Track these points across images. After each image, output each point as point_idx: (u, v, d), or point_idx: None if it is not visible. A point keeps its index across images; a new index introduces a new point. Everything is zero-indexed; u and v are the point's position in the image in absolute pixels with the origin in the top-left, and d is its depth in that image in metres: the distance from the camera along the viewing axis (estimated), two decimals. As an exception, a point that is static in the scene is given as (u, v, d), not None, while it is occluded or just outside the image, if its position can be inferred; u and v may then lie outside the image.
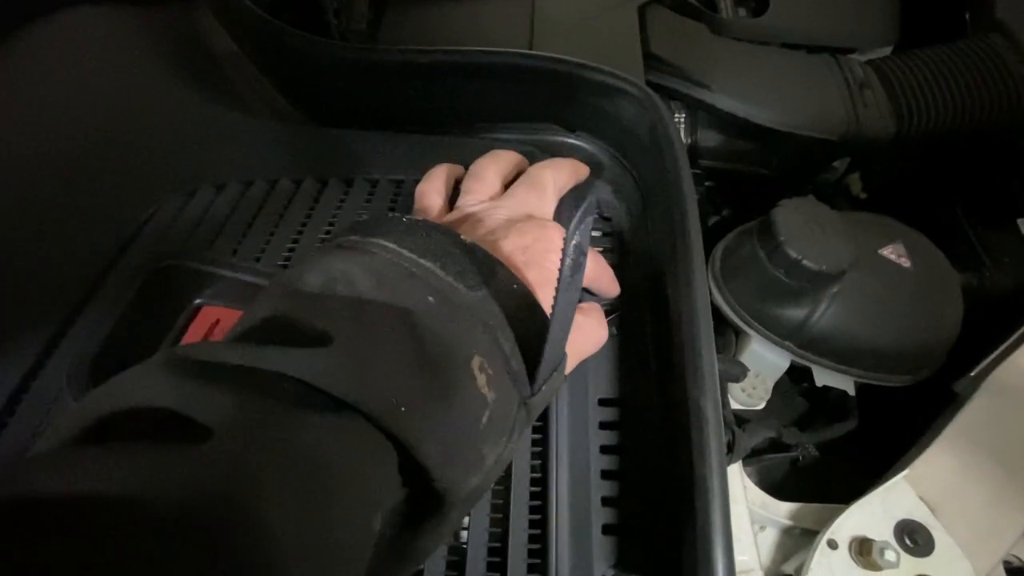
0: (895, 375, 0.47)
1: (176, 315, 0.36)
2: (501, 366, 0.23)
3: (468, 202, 0.35)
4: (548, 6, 0.62)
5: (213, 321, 0.38)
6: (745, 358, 0.49)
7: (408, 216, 0.28)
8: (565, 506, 0.28)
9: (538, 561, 0.27)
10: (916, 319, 0.46)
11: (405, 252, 0.24)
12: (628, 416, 0.32)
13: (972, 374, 0.42)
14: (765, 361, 0.48)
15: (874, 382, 0.47)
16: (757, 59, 0.58)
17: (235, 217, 0.39)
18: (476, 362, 0.22)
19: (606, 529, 0.28)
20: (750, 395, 0.48)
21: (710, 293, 0.48)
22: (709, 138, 0.59)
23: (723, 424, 0.27)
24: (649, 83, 0.48)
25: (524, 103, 0.45)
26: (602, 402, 0.34)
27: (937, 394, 0.44)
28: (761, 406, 0.48)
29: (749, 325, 0.48)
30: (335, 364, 0.19)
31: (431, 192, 0.36)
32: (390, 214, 0.29)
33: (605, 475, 0.30)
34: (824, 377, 0.48)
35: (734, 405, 0.48)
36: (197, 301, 0.37)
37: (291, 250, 0.37)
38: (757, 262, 0.46)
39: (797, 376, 0.50)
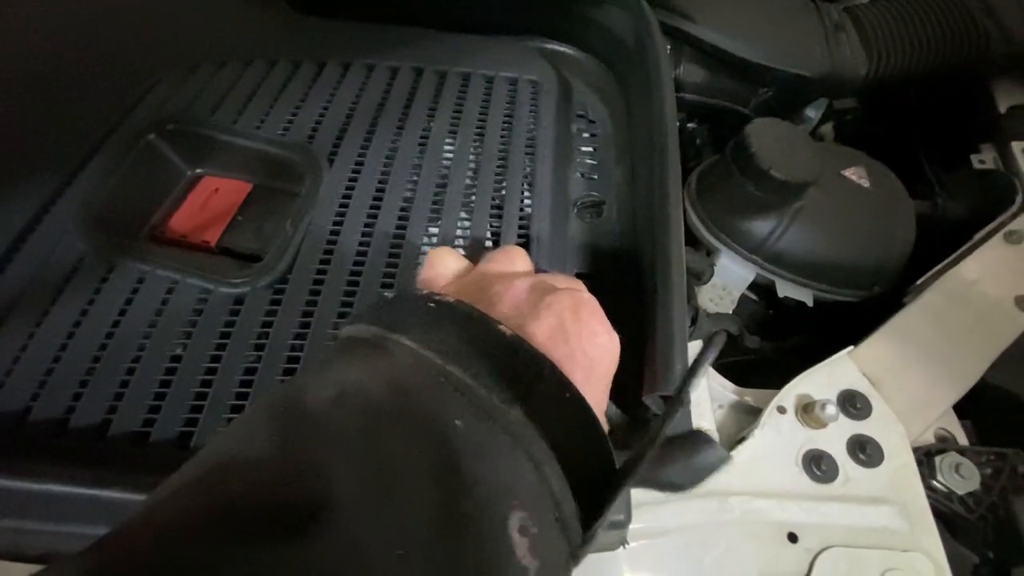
0: (850, 289, 0.50)
1: (176, 179, 0.38)
2: (549, 515, 0.18)
3: (486, 268, 0.28)
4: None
5: (212, 190, 0.40)
6: (716, 272, 0.52)
7: (436, 297, 0.22)
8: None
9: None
10: (872, 236, 0.49)
11: (430, 356, 0.19)
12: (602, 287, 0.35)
13: (919, 283, 0.46)
14: (732, 273, 0.51)
15: (831, 296, 0.50)
16: (739, -3, 0.61)
17: (235, 91, 0.40)
18: (516, 523, 0.17)
19: None
20: (717, 304, 0.52)
21: (684, 214, 0.51)
22: (692, 72, 0.62)
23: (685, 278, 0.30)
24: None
25: (515, 13, 0.47)
26: (579, 275, 0.36)
27: (888, 312, 0.48)
28: (730, 311, 0.52)
29: (718, 239, 0.51)
30: (320, 561, 0.14)
31: (449, 256, 0.28)
32: (415, 291, 0.23)
33: None
34: (786, 289, 0.51)
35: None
36: (198, 171, 0.39)
37: (290, 121, 0.39)
38: (730, 176, 0.49)
39: (761, 292, 0.54)
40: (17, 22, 0.40)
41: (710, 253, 0.53)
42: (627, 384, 0.30)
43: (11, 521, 0.25)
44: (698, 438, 0.24)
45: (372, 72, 0.42)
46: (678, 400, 0.23)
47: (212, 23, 0.45)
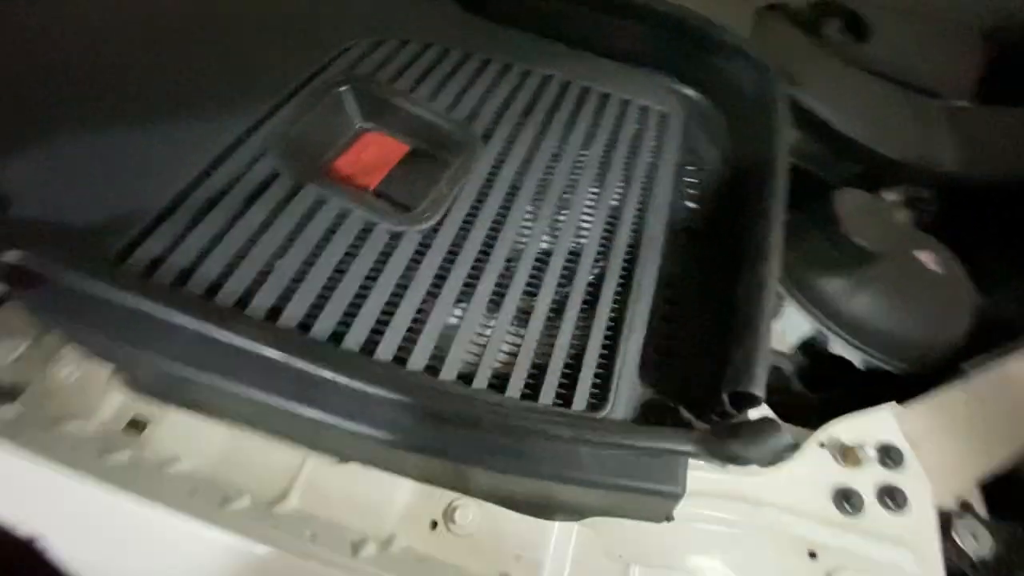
0: (899, 361, 0.54)
1: (349, 129, 0.45)
2: None
3: None
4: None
5: (371, 145, 0.46)
6: (779, 318, 0.56)
7: None
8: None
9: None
10: (932, 318, 0.53)
11: None
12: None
13: (966, 365, 0.50)
14: (793, 320, 0.56)
15: (880, 363, 0.54)
16: (847, 74, 0.66)
17: (413, 67, 0.47)
18: None
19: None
20: (778, 342, 0.56)
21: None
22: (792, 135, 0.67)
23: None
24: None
25: (655, 51, 0.53)
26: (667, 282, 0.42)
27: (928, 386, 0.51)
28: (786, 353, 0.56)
29: (787, 288, 0.55)
30: None
31: None
32: None
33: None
34: (839, 347, 0.55)
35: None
36: (368, 125, 0.46)
37: (454, 102, 0.46)
38: (810, 234, 0.54)
39: (814, 344, 0.58)
40: None
41: (778, 299, 0.57)
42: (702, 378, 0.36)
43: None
44: (771, 425, 0.28)
45: (527, 76, 0.49)
46: (755, 397, 0.28)
47: (399, 7, 0.53)
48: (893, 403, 0.44)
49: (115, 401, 0.38)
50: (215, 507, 0.32)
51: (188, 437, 0.37)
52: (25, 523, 0.33)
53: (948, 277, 0.55)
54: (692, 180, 0.50)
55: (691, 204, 0.49)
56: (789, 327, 0.56)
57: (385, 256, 0.37)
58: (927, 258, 0.55)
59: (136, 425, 0.37)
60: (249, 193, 0.39)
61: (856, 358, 0.55)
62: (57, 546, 0.33)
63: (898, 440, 0.42)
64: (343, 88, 0.44)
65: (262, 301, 0.34)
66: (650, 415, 0.35)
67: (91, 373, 0.38)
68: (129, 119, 0.40)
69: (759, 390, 0.31)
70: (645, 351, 0.37)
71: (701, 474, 0.37)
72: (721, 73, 0.50)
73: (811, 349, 0.59)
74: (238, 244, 0.36)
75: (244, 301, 0.34)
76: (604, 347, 0.36)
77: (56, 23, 0.45)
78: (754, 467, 0.37)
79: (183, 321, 0.32)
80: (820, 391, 0.57)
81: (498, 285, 0.37)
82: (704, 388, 0.36)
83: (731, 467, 0.36)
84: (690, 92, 0.53)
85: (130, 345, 0.33)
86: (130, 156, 0.39)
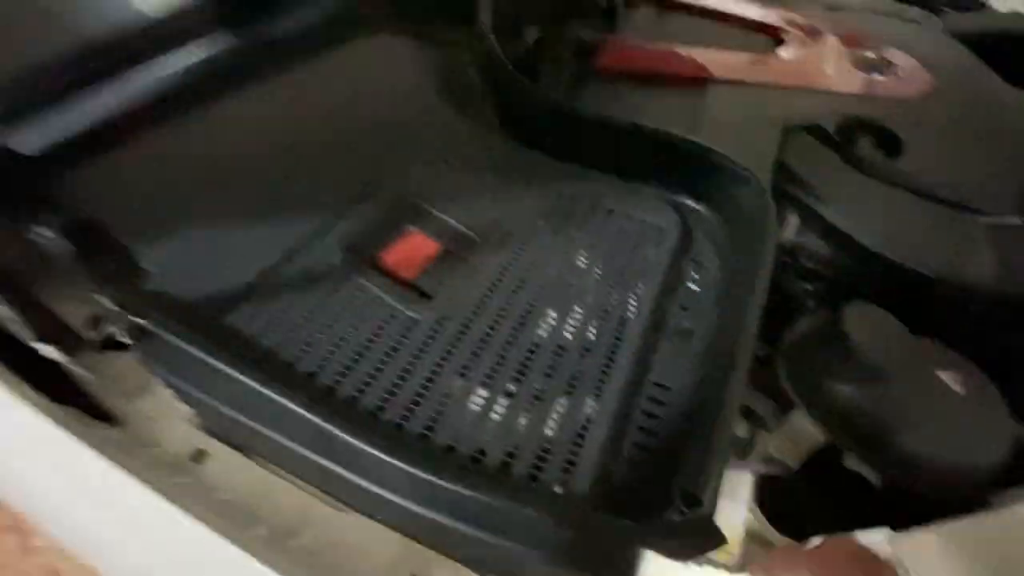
0: (918, 485, 0.52)
1: (398, 229, 0.55)
2: None
3: None
4: (713, 110, 0.78)
5: (413, 243, 0.57)
6: (788, 425, 0.57)
7: None
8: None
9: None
10: (953, 441, 0.51)
11: None
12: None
13: (1009, 492, 0.47)
14: (805, 432, 0.56)
15: (897, 482, 0.52)
16: (878, 191, 0.68)
17: (451, 183, 0.58)
18: None
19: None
20: (781, 453, 0.56)
21: (775, 364, 0.58)
22: (814, 243, 0.69)
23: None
24: (774, 186, 0.61)
25: (664, 171, 0.60)
26: (657, 384, 0.46)
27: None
28: (794, 466, 0.56)
29: (797, 395, 0.56)
30: None
31: None
32: None
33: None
34: (854, 463, 0.54)
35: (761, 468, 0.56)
36: (409, 227, 0.56)
37: (481, 211, 0.55)
38: (821, 345, 0.55)
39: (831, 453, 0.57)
40: (325, 106, 0.63)
41: (788, 406, 0.58)
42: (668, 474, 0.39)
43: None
44: (708, 528, 0.31)
45: (546, 193, 0.58)
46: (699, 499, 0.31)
47: (453, 137, 0.66)
48: (887, 528, 0.43)
49: (187, 435, 0.48)
50: (240, 530, 0.40)
51: (231, 471, 0.45)
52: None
53: (977, 400, 0.53)
54: (693, 286, 0.54)
55: (689, 308, 0.53)
56: (798, 434, 0.56)
57: (403, 338, 0.46)
58: (951, 378, 0.54)
59: (199, 456, 0.47)
60: (310, 280, 0.50)
61: (871, 475, 0.53)
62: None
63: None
64: (397, 199, 0.56)
65: (305, 366, 0.44)
66: (612, 503, 0.38)
67: (174, 411, 0.49)
68: (229, 224, 0.54)
69: (703, 493, 0.34)
70: (618, 441, 0.41)
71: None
72: (725, 192, 0.56)
73: (825, 459, 0.58)
74: (294, 320, 0.46)
75: (292, 365, 0.44)
76: (578, 433, 0.41)
77: (182, 141, 0.62)
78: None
79: (241, 377, 0.41)
80: (834, 500, 0.55)
81: (491, 369, 0.44)
82: (664, 482, 0.39)
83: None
84: (697, 206, 0.59)
85: (203, 392, 0.43)
86: (227, 251, 0.51)
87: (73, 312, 0.48)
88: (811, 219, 0.70)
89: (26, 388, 0.46)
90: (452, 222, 0.55)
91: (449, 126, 0.68)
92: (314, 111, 0.67)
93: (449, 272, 0.52)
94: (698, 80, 0.84)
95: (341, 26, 0.76)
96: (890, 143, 0.74)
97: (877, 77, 0.85)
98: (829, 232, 0.67)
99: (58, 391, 0.48)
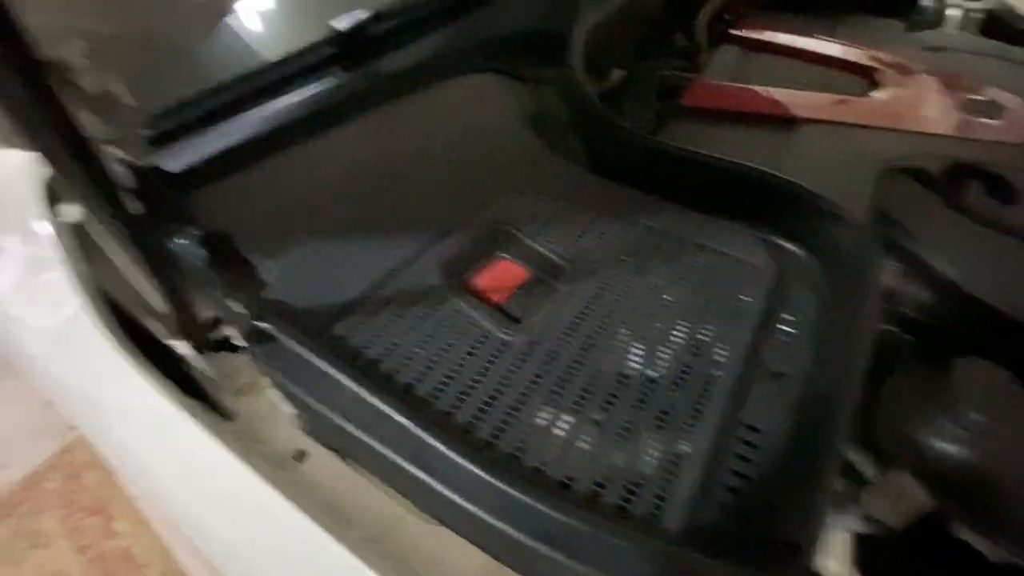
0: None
1: (489, 255, 0.58)
2: None
3: None
4: (802, 150, 0.77)
5: (503, 269, 0.59)
6: (890, 483, 0.53)
7: None
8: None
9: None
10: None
11: None
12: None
13: None
14: (908, 492, 0.52)
15: (1014, 555, 0.48)
16: (989, 239, 0.64)
17: (543, 213, 0.61)
18: None
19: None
20: (885, 511, 0.52)
21: (871, 414, 0.55)
22: (915, 291, 0.65)
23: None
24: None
25: (760, 210, 0.60)
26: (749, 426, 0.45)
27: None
28: (896, 527, 0.52)
29: (902, 454, 0.52)
30: None
31: None
32: None
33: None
34: (965, 533, 0.50)
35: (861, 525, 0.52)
36: (500, 254, 0.59)
37: (572, 242, 0.57)
38: (925, 399, 0.51)
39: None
40: (427, 139, 0.68)
41: (890, 462, 0.54)
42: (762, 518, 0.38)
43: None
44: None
45: (634, 227, 0.59)
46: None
47: (543, 170, 0.69)
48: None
49: (290, 436, 0.52)
50: (341, 528, 0.42)
51: (329, 473, 0.48)
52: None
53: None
54: (786, 328, 0.53)
55: (782, 350, 0.52)
56: (900, 494, 0.52)
57: (494, 358, 0.47)
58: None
59: (300, 456, 0.50)
60: (410, 298, 0.53)
61: (983, 546, 0.49)
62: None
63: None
64: (489, 226, 0.59)
65: (403, 379, 0.46)
66: (701, 542, 0.38)
67: (281, 411, 0.53)
68: (339, 244, 0.59)
69: (807, 544, 0.33)
70: (710, 480, 0.41)
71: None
72: (821, 233, 0.55)
73: (930, 523, 0.53)
74: (395, 335, 0.50)
75: (391, 377, 0.46)
76: (668, 469, 0.40)
77: (301, 168, 0.68)
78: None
79: (346, 383, 0.44)
80: (941, 570, 0.51)
81: (580, 396, 0.45)
82: (761, 528, 0.38)
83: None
84: (793, 247, 0.58)
85: (307, 393, 0.46)
86: (337, 268, 0.56)
87: (199, 313, 0.54)
88: (912, 265, 0.67)
89: (158, 376, 0.51)
90: (541, 249, 0.57)
91: (539, 159, 0.71)
92: (417, 143, 0.72)
93: (537, 298, 0.54)
94: (785, 119, 0.83)
95: (441, 67, 0.83)
96: (1002, 189, 0.69)
97: (981, 120, 0.81)
98: (933, 280, 0.64)
99: (183, 385, 0.53)
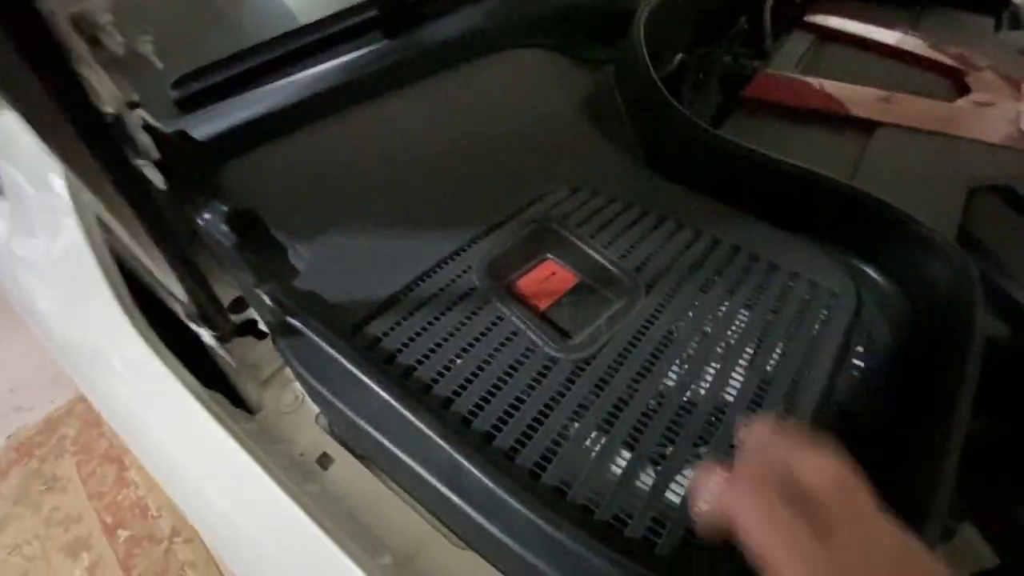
0: None
1: (535, 256, 0.53)
2: None
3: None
4: (880, 159, 0.70)
5: (549, 273, 0.54)
6: (954, 536, 0.49)
7: None
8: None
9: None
10: None
11: None
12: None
13: None
14: (973, 549, 0.48)
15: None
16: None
17: (597, 215, 0.55)
18: None
19: None
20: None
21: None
22: (997, 328, 0.60)
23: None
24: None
25: (837, 229, 0.54)
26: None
27: None
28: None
29: (971, 510, 0.48)
30: None
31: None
32: None
33: None
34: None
35: None
36: (547, 255, 0.54)
37: (627, 250, 0.52)
38: (1006, 453, 0.47)
39: None
40: (470, 124, 0.62)
41: (956, 516, 0.50)
42: None
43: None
44: None
45: (699, 237, 0.54)
46: None
47: (595, 163, 0.63)
48: None
49: (316, 437, 0.48)
50: (367, 556, 0.39)
51: (356, 483, 0.45)
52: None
53: None
54: (859, 363, 0.48)
55: (854, 386, 0.47)
56: (964, 551, 0.48)
57: (541, 376, 0.43)
58: None
59: (324, 460, 0.47)
60: (450, 299, 0.48)
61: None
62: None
63: None
64: (536, 224, 0.54)
65: (441, 391, 0.42)
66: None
67: (305, 409, 0.50)
68: (376, 231, 0.54)
69: None
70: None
71: None
72: (910, 260, 0.49)
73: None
74: (433, 340, 0.45)
75: (428, 388, 0.42)
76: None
77: (340, 148, 0.63)
78: None
79: (379, 391, 0.41)
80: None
81: (635, 427, 0.41)
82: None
83: None
84: (872, 272, 0.52)
85: (336, 397, 0.43)
86: (373, 258, 0.52)
87: (221, 295, 0.50)
88: (993, 296, 0.61)
89: (178, 365, 0.48)
90: (592, 254, 0.52)
91: (591, 151, 0.65)
92: (461, 122, 0.67)
93: (587, 309, 0.49)
94: (861, 122, 0.76)
95: (489, 41, 0.76)
96: (1105, 219, 0.62)
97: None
98: (1016, 315, 0.58)
99: (205, 374, 0.50)
